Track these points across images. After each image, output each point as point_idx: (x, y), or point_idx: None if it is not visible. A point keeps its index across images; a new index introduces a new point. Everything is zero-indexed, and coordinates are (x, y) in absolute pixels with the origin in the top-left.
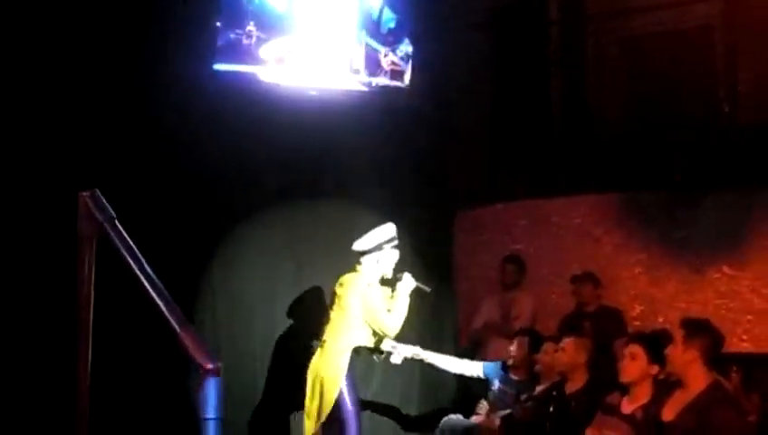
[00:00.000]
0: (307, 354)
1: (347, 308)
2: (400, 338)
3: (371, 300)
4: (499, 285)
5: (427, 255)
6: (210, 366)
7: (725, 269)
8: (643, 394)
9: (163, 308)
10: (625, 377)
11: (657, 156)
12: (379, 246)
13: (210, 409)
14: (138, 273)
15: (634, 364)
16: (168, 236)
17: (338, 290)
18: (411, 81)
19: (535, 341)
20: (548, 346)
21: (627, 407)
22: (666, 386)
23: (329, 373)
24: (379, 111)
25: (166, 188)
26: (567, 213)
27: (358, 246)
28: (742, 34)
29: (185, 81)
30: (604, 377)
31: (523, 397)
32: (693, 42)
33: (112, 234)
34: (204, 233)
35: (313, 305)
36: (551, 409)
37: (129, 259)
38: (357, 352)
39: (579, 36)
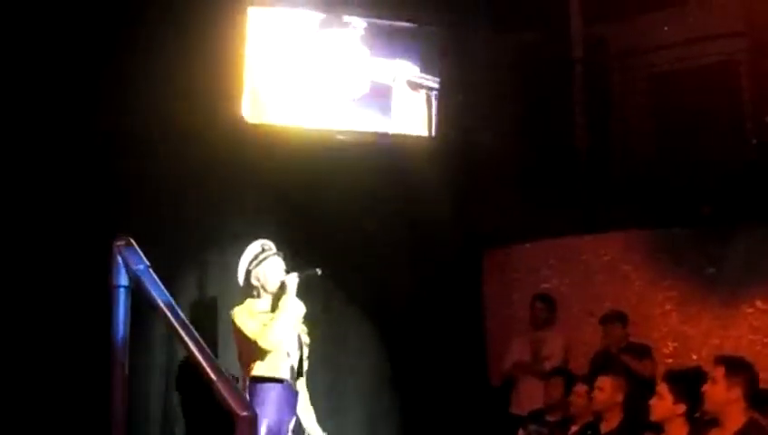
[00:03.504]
0: None
1: (238, 339)
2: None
3: (240, 321)
4: (529, 324)
5: (456, 295)
6: (244, 414)
7: (758, 304)
8: (678, 433)
9: (198, 356)
10: (653, 416)
11: (686, 191)
12: (247, 271)
13: None
14: (173, 321)
15: (661, 403)
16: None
17: (233, 324)
18: (437, 121)
19: (569, 381)
20: (580, 387)
21: None
22: (701, 424)
23: None
24: (406, 152)
25: (200, 236)
26: (596, 250)
27: (238, 281)
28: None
29: (214, 128)
30: (637, 416)
31: None
32: (719, 76)
33: (146, 282)
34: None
35: None
36: None
37: (163, 308)
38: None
39: (604, 74)
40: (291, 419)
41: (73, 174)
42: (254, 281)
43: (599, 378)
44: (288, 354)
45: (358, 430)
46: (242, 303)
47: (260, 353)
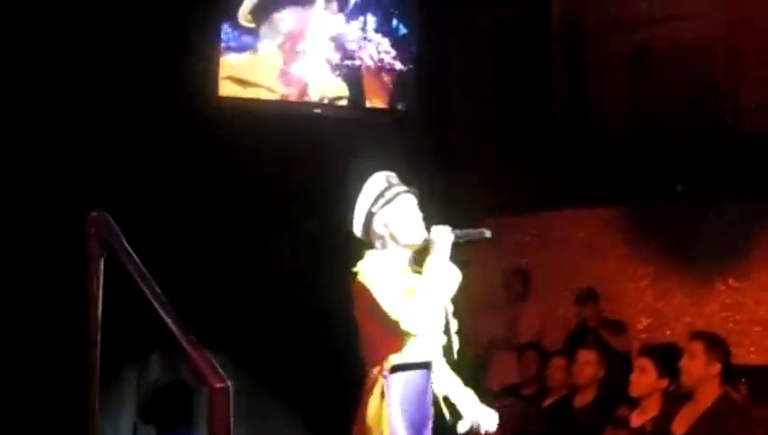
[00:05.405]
0: None
1: (362, 314)
2: None
3: (375, 286)
4: (504, 299)
5: None
6: (219, 385)
7: (731, 281)
8: (653, 407)
9: (173, 328)
10: (635, 391)
11: (661, 168)
12: (369, 213)
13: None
14: (146, 292)
15: (644, 378)
16: (177, 255)
17: (353, 291)
18: (414, 96)
19: (542, 356)
20: (558, 361)
21: (636, 420)
22: (675, 398)
23: (369, 406)
24: (382, 126)
25: (174, 209)
26: (572, 226)
27: (354, 230)
28: (743, 47)
29: (190, 104)
30: (613, 390)
31: (532, 410)
32: (695, 54)
33: (120, 254)
34: (213, 252)
35: None
36: (560, 423)
37: (137, 279)
38: None
39: (581, 50)
40: (431, 413)
41: (52, 145)
42: (378, 228)
43: (581, 352)
44: (435, 330)
45: None
46: (362, 257)
47: (401, 335)
